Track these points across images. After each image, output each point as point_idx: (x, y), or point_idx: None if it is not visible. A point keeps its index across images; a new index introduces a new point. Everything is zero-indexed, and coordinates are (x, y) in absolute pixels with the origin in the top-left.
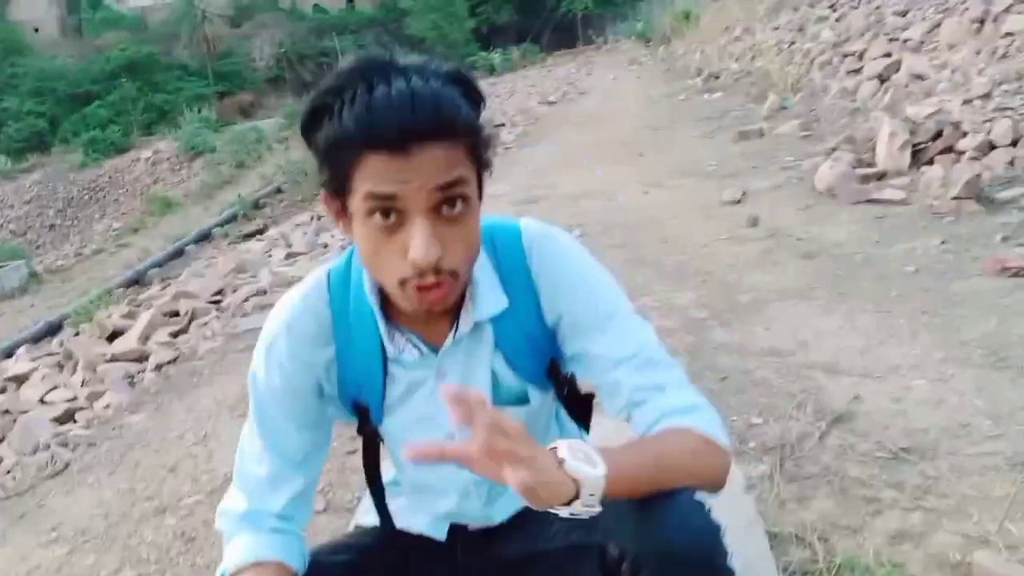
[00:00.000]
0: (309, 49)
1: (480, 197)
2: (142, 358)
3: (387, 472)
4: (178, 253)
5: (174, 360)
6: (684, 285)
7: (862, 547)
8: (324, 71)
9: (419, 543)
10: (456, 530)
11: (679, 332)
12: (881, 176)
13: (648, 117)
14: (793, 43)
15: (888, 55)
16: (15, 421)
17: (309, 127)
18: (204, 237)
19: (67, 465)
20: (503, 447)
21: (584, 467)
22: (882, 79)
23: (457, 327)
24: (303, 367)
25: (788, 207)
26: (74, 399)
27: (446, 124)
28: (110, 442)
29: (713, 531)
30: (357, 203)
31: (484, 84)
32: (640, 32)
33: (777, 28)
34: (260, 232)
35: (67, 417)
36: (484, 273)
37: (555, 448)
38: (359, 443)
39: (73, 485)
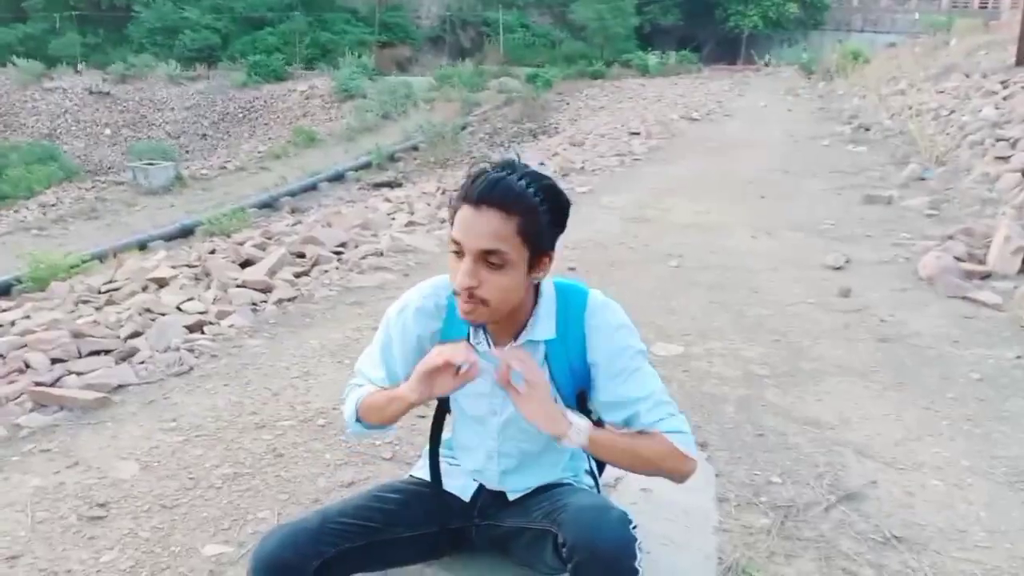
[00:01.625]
0: (473, 17)
1: (532, 268)
2: (267, 290)
3: (445, 434)
4: (311, 187)
5: (293, 299)
6: (756, 340)
7: None
8: (483, 40)
9: (451, 500)
10: (477, 496)
11: (734, 383)
12: (986, 276)
13: (785, 158)
14: (952, 112)
15: None
16: (153, 320)
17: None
18: (338, 177)
19: (191, 369)
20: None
21: (575, 417)
22: None
23: (516, 339)
24: (415, 330)
25: (884, 286)
26: (205, 313)
27: (508, 201)
28: (229, 358)
29: (629, 539)
30: (450, 239)
31: (634, 83)
32: (804, 62)
33: (942, 92)
34: (389, 185)
35: (197, 327)
36: (546, 312)
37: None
38: (429, 409)
39: (194, 387)
